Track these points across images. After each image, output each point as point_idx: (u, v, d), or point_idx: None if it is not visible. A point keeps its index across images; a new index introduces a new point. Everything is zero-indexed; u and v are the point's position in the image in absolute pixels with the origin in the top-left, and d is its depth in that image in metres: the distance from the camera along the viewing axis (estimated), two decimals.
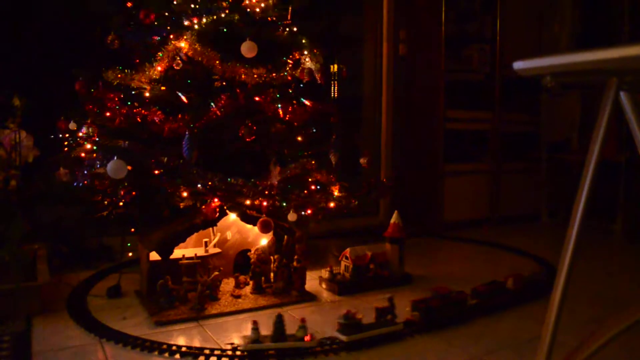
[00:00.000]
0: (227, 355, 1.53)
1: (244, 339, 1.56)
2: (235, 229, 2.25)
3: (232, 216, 2.14)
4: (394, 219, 2.31)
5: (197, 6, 2.13)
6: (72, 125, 2.16)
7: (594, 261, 2.77)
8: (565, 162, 3.95)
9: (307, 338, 1.57)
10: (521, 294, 2.07)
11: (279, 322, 1.57)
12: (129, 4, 2.26)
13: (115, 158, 1.81)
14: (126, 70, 2.15)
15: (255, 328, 1.55)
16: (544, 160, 3.96)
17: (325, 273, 2.22)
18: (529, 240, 3.24)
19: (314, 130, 2.27)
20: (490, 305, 1.98)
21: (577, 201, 1.00)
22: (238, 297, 2.03)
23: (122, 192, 1.99)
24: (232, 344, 1.60)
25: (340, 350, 1.59)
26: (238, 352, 1.54)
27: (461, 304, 1.91)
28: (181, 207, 2.02)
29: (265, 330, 1.60)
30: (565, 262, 1.01)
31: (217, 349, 1.57)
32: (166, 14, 2.16)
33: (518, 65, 1.07)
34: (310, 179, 2.16)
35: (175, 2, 2.16)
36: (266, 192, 1.97)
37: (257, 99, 2.13)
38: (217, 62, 2.06)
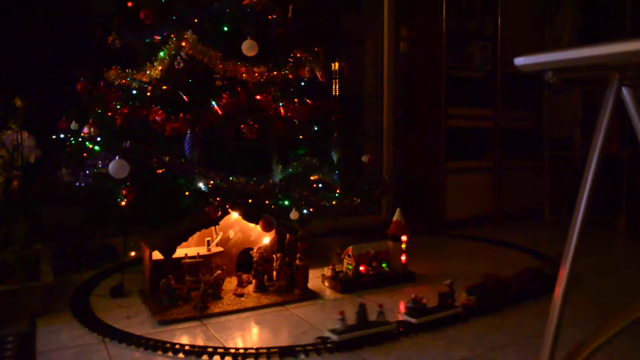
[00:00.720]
0: (230, 354, 1.53)
1: (330, 332, 1.63)
2: (238, 228, 2.25)
3: (234, 215, 2.14)
4: (396, 216, 2.31)
5: (198, 5, 2.13)
6: (74, 126, 2.16)
7: (597, 257, 2.77)
8: (567, 158, 3.94)
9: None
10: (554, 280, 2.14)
11: (362, 310, 1.68)
12: (130, 4, 2.26)
13: (117, 158, 1.81)
14: (127, 70, 2.15)
15: (343, 319, 1.64)
16: (547, 157, 3.95)
17: (327, 271, 2.22)
18: (532, 237, 3.24)
19: (316, 129, 2.27)
20: (532, 289, 2.10)
21: (580, 197, 1.00)
22: (241, 295, 2.03)
23: (124, 192, 1.99)
24: (321, 337, 1.65)
25: (411, 332, 1.74)
26: (329, 345, 1.60)
27: (507, 289, 2.04)
28: (183, 206, 2.03)
29: (268, 329, 1.60)
30: (568, 258, 1.01)
31: (220, 348, 1.57)
32: (167, 13, 2.16)
33: (519, 61, 1.07)
34: (312, 177, 2.16)
35: (176, 2, 2.16)
36: (268, 191, 1.97)
37: (258, 97, 2.13)
38: (218, 61, 2.06)
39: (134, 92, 2.15)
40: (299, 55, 2.28)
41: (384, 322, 1.71)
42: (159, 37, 2.16)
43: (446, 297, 1.88)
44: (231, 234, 2.25)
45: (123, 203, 2.00)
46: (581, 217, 1.00)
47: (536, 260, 2.70)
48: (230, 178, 1.93)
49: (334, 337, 1.61)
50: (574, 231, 1.00)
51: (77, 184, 2.04)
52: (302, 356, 1.55)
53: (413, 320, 1.77)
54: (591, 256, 2.74)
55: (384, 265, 2.26)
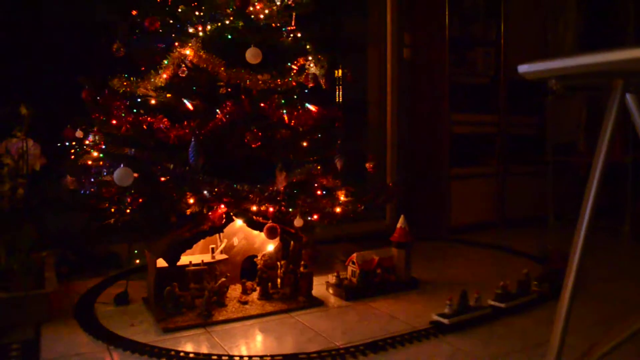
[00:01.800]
0: None
1: (439, 316, 1.83)
2: (242, 235, 2.25)
3: (239, 222, 2.14)
4: (400, 223, 2.31)
5: (202, 13, 2.14)
6: (79, 134, 2.17)
7: (602, 263, 2.75)
8: (572, 164, 3.93)
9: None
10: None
11: (464, 296, 1.90)
12: (134, 12, 2.27)
13: (122, 165, 1.82)
14: (132, 78, 2.16)
15: (451, 304, 1.85)
16: (551, 162, 3.94)
17: (332, 278, 2.22)
18: (536, 244, 3.23)
19: (319, 136, 2.27)
20: None
21: (585, 203, 0.99)
22: (245, 303, 2.03)
23: (128, 200, 2.00)
24: (433, 321, 1.84)
25: (502, 315, 1.97)
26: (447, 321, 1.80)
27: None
28: (188, 213, 2.03)
29: (272, 336, 1.60)
30: (573, 264, 1.01)
31: (225, 355, 1.57)
32: (171, 21, 2.18)
33: (523, 68, 1.07)
34: (316, 184, 2.16)
35: (180, 10, 2.17)
36: (272, 198, 1.97)
37: (262, 105, 2.13)
38: (222, 68, 2.07)
39: (139, 100, 2.16)
40: (302, 62, 2.28)
41: (481, 306, 1.94)
42: (163, 45, 2.17)
43: (524, 285, 2.13)
44: (235, 241, 2.25)
45: (128, 211, 2.01)
46: (586, 223, 1.00)
47: (541, 266, 2.69)
48: (235, 185, 1.93)
49: (445, 321, 1.80)
50: (579, 237, 1.00)
51: (82, 191, 2.04)
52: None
53: (502, 305, 2.00)
54: (596, 262, 2.72)
55: (388, 272, 2.26)
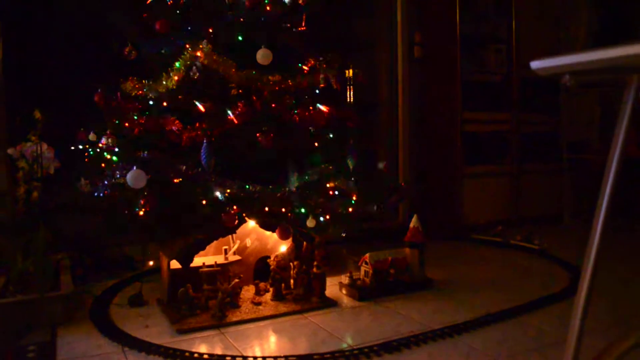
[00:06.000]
0: None
1: None
2: (255, 236, 2.26)
3: (251, 223, 2.14)
4: (413, 223, 2.30)
5: (213, 16, 2.15)
6: (92, 136, 2.19)
7: (619, 261, 2.72)
8: (586, 161, 3.89)
9: None
10: None
11: None
12: (145, 15, 2.28)
13: (135, 168, 1.83)
14: (144, 81, 2.17)
15: None
16: (565, 160, 3.91)
17: (345, 279, 2.22)
18: (551, 242, 3.20)
19: (331, 136, 2.27)
20: None
21: (600, 201, 0.98)
22: (258, 304, 2.03)
23: (142, 202, 2.01)
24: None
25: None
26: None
27: None
28: (201, 215, 2.04)
29: (286, 337, 1.59)
30: (589, 263, 0.99)
31: (239, 356, 1.57)
32: (182, 24, 2.19)
33: (536, 64, 1.06)
34: (328, 185, 2.16)
35: (190, 13, 2.18)
36: (284, 199, 1.97)
37: (273, 105, 2.13)
38: (233, 70, 2.07)
39: (151, 102, 2.17)
40: (313, 62, 2.28)
41: None
42: (173, 48, 2.18)
43: None
44: (248, 242, 2.25)
45: (141, 212, 2.02)
46: (602, 221, 0.98)
47: (555, 265, 2.67)
48: (247, 187, 1.94)
49: None
50: (595, 235, 0.99)
51: (95, 194, 2.06)
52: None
53: None
54: (612, 261, 2.69)
55: (401, 272, 2.25)
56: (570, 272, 2.52)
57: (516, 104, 3.77)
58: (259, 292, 2.11)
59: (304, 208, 2.03)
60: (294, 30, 2.27)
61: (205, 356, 1.57)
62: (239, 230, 2.13)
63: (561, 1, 4.10)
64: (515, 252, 3.03)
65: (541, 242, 2.95)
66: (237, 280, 2.02)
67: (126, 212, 2.12)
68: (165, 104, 2.16)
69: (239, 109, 2.03)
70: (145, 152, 2.04)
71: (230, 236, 2.19)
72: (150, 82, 2.15)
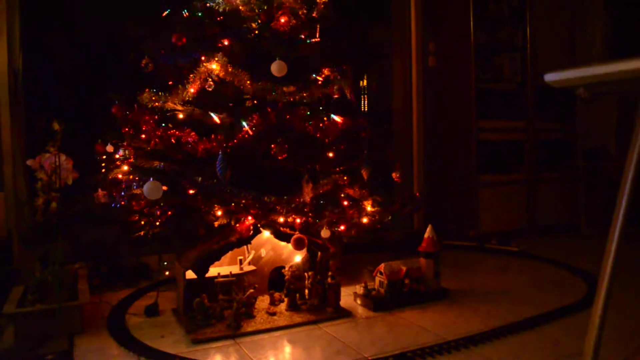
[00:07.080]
0: None
1: None
2: (269, 246, 2.27)
3: (266, 234, 2.15)
4: (427, 233, 2.29)
5: (228, 28, 2.17)
6: (109, 148, 2.22)
7: (636, 271, 2.68)
8: (603, 169, 3.85)
9: None
10: None
11: None
12: (161, 28, 2.31)
13: (151, 179, 1.85)
14: (160, 93, 2.20)
15: None
16: (581, 168, 3.87)
17: (360, 289, 2.21)
18: (567, 251, 3.17)
19: (345, 146, 2.27)
20: None
21: (617, 209, 0.97)
22: (273, 314, 2.03)
23: (158, 212, 2.03)
24: None
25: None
26: None
27: None
28: (216, 225, 2.05)
29: (301, 348, 1.59)
30: (606, 273, 0.98)
31: None
32: (197, 36, 2.21)
33: (550, 77, 1.06)
34: (342, 195, 2.16)
35: (206, 25, 2.21)
36: (299, 209, 1.98)
37: (288, 117, 2.15)
38: (248, 82, 2.09)
39: (167, 114, 2.20)
40: (327, 73, 2.29)
41: None
42: (190, 60, 2.20)
43: None
44: (263, 252, 2.26)
45: (157, 223, 2.04)
46: (619, 230, 0.97)
47: (571, 275, 2.64)
48: (262, 197, 1.95)
49: None
50: (612, 244, 0.98)
51: (113, 205, 2.08)
52: None
53: None
54: (630, 270, 2.65)
55: (416, 282, 2.24)
56: (587, 281, 2.49)
57: (531, 112, 3.75)
58: (273, 302, 2.12)
59: (318, 218, 2.04)
60: (308, 41, 2.28)
61: None
62: (253, 241, 2.14)
63: (576, 8, 4.08)
64: (531, 261, 3.01)
65: (518, 244, 2.96)
66: (252, 290, 2.03)
67: (142, 222, 2.15)
68: (181, 115, 2.19)
69: (254, 120, 2.05)
70: (162, 164, 2.06)
71: (245, 246, 2.20)
72: (167, 94, 2.18)
